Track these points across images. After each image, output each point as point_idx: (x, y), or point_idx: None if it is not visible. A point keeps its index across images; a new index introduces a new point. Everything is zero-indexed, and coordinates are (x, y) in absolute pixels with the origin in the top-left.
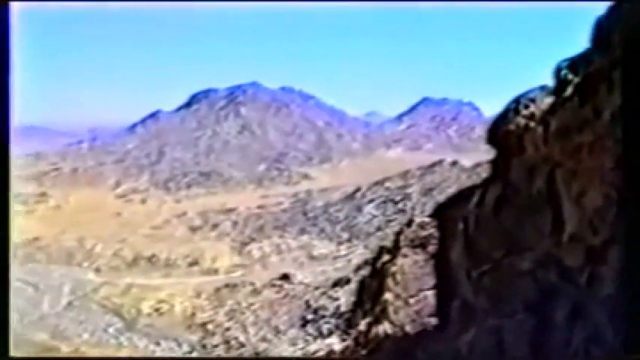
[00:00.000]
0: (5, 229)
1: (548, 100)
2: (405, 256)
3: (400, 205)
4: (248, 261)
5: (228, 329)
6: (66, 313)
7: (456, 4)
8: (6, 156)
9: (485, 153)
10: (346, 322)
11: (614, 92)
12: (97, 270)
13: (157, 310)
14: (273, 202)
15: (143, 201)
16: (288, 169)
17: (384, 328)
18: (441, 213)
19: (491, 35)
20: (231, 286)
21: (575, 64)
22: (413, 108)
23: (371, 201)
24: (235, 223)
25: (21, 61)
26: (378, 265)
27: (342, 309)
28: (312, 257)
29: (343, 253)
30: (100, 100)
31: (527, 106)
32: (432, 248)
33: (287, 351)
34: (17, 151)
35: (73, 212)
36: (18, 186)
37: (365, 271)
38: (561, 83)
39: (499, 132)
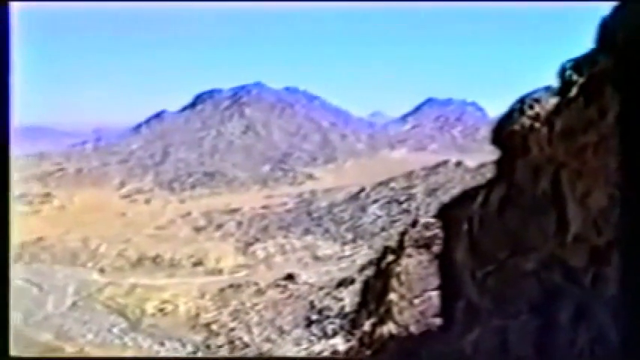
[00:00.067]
0: (5, 229)
1: (553, 101)
2: (410, 256)
3: (404, 206)
4: (252, 261)
5: (232, 329)
6: (70, 314)
7: (460, 5)
8: (6, 156)
9: (490, 153)
10: (350, 322)
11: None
12: (102, 270)
13: (161, 310)
14: (277, 203)
15: (147, 201)
16: (292, 169)
17: (389, 328)
18: (446, 213)
19: (495, 36)
20: (236, 287)
21: (579, 64)
22: (417, 108)
23: (375, 201)
24: (240, 224)
25: (25, 61)
26: (383, 265)
27: (347, 309)
28: (316, 257)
29: (348, 253)
30: (105, 100)
31: (531, 107)
32: (436, 249)
33: (291, 351)
34: (22, 152)
35: (78, 212)
36: (23, 186)
37: (369, 272)
38: (566, 84)
39: (504, 132)
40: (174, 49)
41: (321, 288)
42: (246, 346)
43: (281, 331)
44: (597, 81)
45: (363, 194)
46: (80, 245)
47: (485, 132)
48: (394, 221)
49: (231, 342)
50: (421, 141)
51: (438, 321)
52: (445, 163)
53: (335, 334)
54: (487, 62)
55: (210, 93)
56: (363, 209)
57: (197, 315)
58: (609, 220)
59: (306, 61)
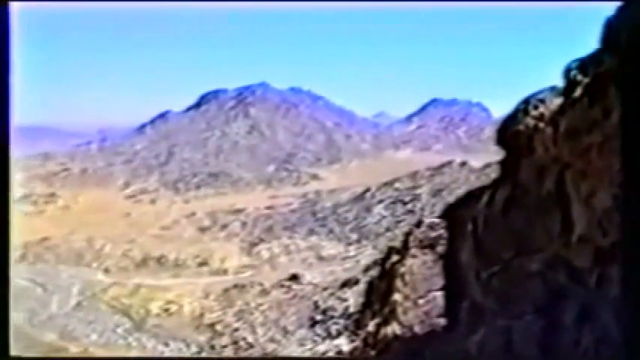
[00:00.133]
0: (5, 229)
1: (558, 101)
2: (414, 256)
3: (409, 206)
4: (257, 261)
5: (236, 330)
6: (74, 314)
7: (465, 5)
8: (6, 156)
9: (495, 154)
10: (355, 322)
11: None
12: (106, 270)
13: (165, 310)
14: (282, 203)
15: (152, 201)
16: (297, 169)
17: (393, 328)
18: (451, 214)
19: (500, 36)
20: (240, 287)
21: (584, 64)
22: (422, 109)
23: (380, 202)
24: (244, 224)
25: (29, 62)
26: (387, 265)
27: (351, 310)
28: (321, 258)
29: (352, 253)
30: (109, 100)
31: (536, 107)
32: (441, 249)
33: (295, 351)
34: (27, 152)
35: (82, 213)
36: (27, 186)
37: (374, 272)
38: (571, 84)
39: (508, 133)
40: (179, 49)
41: (325, 288)
42: (251, 346)
43: (285, 332)
44: (602, 81)
45: (367, 194)
46: (85, 245)
47: (490, 132)
48: (399, 221)
49: (235, 342)
50: (426, 141)
51: (442, 321)
52: (450, 163)
53: (339, 334)
54: (492, 63)
55: (215, 93)
56: (368, 209)
57: (201, 315)
58: (614, 221)
59: (311, 62)
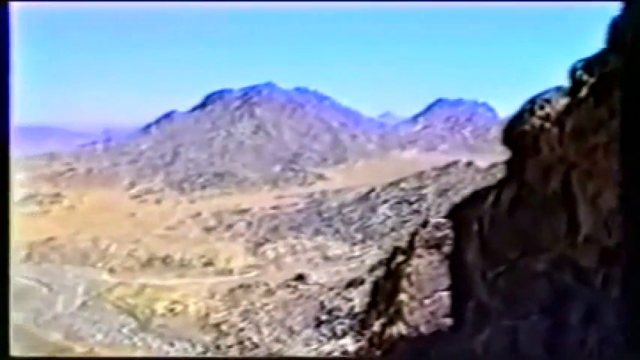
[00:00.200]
0: (5, 229)
1: (564, 101)
2: (420, 256)
3: (415, 206)
4: (262, 261)
5: (242, 330)
6: (80, 314)
7: (471, 5)
8: (6, 156)
9: (501, 154)
10: (360, 322)
11: None
12: (111, 270)
13: (171, 310)
14: (287, 203)
15: (157, 201)
16: (302, 169)
17: (399, 329)
18: (456, 214)
19: (506, 36)
20: (246, 287)
21: (590, 64)
22: (428, 109)
23: (386, 202)
24: (250, 224)
25: (35, 62)
26: (393, 265)
27: (357, 310)
28: (326, 258)
29: (358, 253)
30: (115, 101)
31: (542, 107)
32: (446, 249)
33: (301, 352)
34: (32, 152)
35: (88, 213)
36: (33, 186)
37: (379, 272)
38: (576, 84)
39: (514, 133)
40: (185, 49)
41: (331, 288)
42: (256, 346)
43: (291, 332)
44: (608, 81)
45: (373, 194)
46: (90, 245)
47: (495, 132)
48: (404, 222)
49: (240, 342)
50: (432, 141)
51: (448, 321)
52: (456, 163)
53: (345, 334)
54: (498, 62)
55: (221, 93)
56: (374, 210)
57: (207, 315)
58: (620, 221)
59: (317, 62)
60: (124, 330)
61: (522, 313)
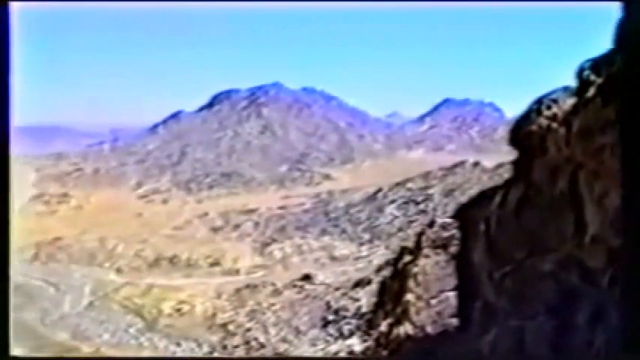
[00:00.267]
0: (5, 228)
1: (571, 101)
2: (427, 256)
3: (422, 206)
4: (269, 261)
5: (248, 330)
6: (87, 313)
7: (478, 6)
8: (6, 156)
9: (508, 154)
10: (367, 323)
11: None
12: (119, 270)
13: (177, 310)
14: (294, 203)
15: (164, 201)
16: (309, 169)
17: (405, 329)
18: (463, 214)
19: (513, 36)
20: (252, 287)
21: (597, 64)
22: (434, 109)
23: (392, 202)
24: (257, 224)
25: (43, 62)
26: (400, 265)
27: (363, 310)
28: (333, 258)
29: (364, 253)
30: (122, 100)
31: (549, 107)
32: (453, 249)
33: (308, 352)
34: (39, 152)
35: (95, 213)
36: (40, 186)
37: (386, 272)
38: (584, 84)
39: (521, 133)
40: (192, 49)
41: (337, 288)
42: (263, 346)
43: (297, 332)
44: (615, 81)
45: (380, 195)
46: (97, 245)
47: (502, 132)
48: (411, 222)
49: (247, 342)
50: (438, 141)
51: (454, 322)
52: (462, 163)
53: (351, 334)
54: (505, 62)
55: (228, 93)
56: (380, 210)
57: (214, 315)
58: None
59: (324, 62)
60: (131, 330)
61: (529, 313)
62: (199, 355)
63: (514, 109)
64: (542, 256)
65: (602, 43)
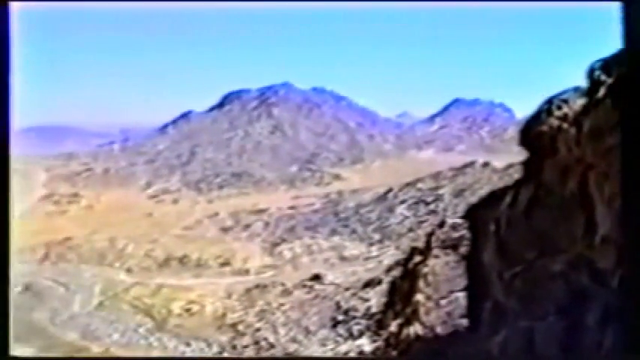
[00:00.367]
0: (5, 229)
1: (581, 101)
2: (437, 257)
3: (432, 207)
4: (279, 261)
5: (258, 330)
6: (96, 313)
7: (488, 6)
8: (6, 156)
9: (518, 154)
10: (377, 323)
11: None
12: (128, 270)
13: (187, 310)
14: (304, 203)
15: (175, 201)
16: (319, 169)
17: (415, 329)
18: (473, 214)
19: (523, 36)
20: (262, 287)
21: (608, 64)
22: (445, 109)
23: (402, 202)
24: (267, 224)
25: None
26: (410, 266)
27: (373, 310)
28: (343, 258)
29: (374, 254)
30: (132, 100)
31: (560, 107)
32: (463, 249)
33: (317, 352)
34: (50, 152)
35: (105, 212)
36: (50, 186)
37: (396, 272)
38: (594, 84)
39: (532, 133)
40: (202, 49)
41: (347, 288)
42: (272, 346)
43: (307, 332)
44: (626, 81)
45: (390, 195)
46: (107, 245)
47: (512, 132)
48: (421, 222)
49: (257, 342)
50: (448, 142)
51: (464, 322)
52: (472, 163)
53: (361, 334)
54: (515, 63)
55: (238, 93)
56: (391, 210)
57: (223, 315)
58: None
59: (334, 62)
60: (141, 330)
61: (539, 313)
62: (209, 355)
63: (524, 109)
64: (553, 257)
65: (613, 42)
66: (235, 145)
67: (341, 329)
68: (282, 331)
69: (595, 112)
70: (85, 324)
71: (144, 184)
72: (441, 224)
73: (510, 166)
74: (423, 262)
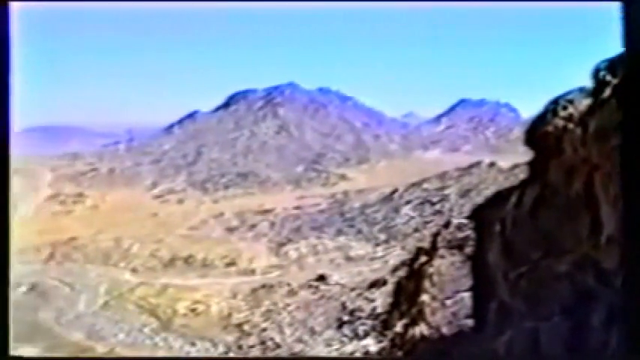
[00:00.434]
0: (5, 228)
1: (587, 102)
2: (442, 257)
3: (438, 207)
4: (285, 262)
5: (264, 330)
6: (102, 313)
7: (494, 6)
8: (6, 156)
9: (523, 154)
10: (382, 323)
11: None
12: (134, 270)
13: (193, 310)
14: (310, 203)
15: (180, 201)
16: (325, 170)
17: (421, 329)
18: (479, 214)
19: (529, 36)
20: (268, 287)
21: (613, 65)
22: (450, 109)
23: (408, 202)
24: (272, 224)
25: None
26: (415, 266)
27: (379, 310)
28: (348, 258)
29: (380, 254)
30: (137, 100)
31: (565, 108)
32: (469, 250)
33: (323, 352)
34: (55, 152)
35: (110, 212)
36: (56, 186)
37: (402, 273)
38: (600, 84)
39: (537, 133)
40: (208, 49)
41: (353, 289)
42: (278, 346)
43: (313, 332)
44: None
45: (396, 195)
46: (112, 245)
47: (518, 133)
48: (427, 222)
49: (262, 342)
50: (454, 142)
51: (470, 322)
52: (478, 163)
53: (367, 335)
54: (520, 63)
55: (244, 93)
56: (396, 210)
57: (229, 315)
58: None
59: (340, 62)
60: (146, 330)
61: (544, 314)
62: (214, 355)
63: (530, 109)
64: (558, 257)
65: (618, 43)
66: (241, 145)
67: (346, 329)
68: (287, 331)
69: (600, 113)
70: (90, 324)
71: (149, 184)
72: (447, 224)
73: (516, 166)
74: (428, 262)
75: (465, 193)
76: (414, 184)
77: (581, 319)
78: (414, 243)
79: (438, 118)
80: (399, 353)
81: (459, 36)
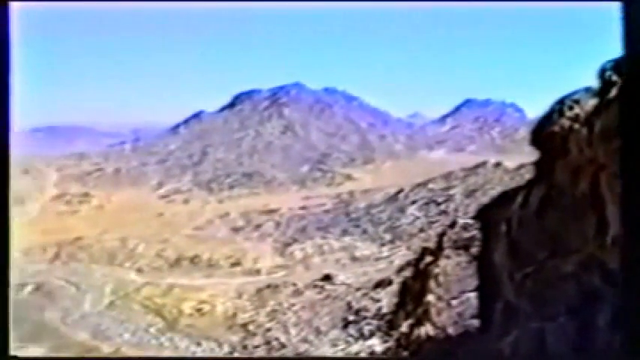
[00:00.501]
0: (5, 228)
1: (593, 102)
2: (448, 257)
3: (443, 207)
4: (290, 262)
5: (269, 330)
6: (107, 313)
7: (499, 6)
8: (6, 156)
9: (529, 154)
10: (388, 323)
11: None
12: (139, 270)
13: (198, 310)
14: (315, 203)
15: (186, 201)
16: (331, 170)
17: (426, 329)
18: (484, 214)
19: (535, 36)
20: (273, 287)
21: (619, 65)
22: (456, 109)
23: (414, 202)
24: (278, 224)
25: (61, 61)
26: (421, 266)
27: (384, 310)
28: (354, 258)
29: (386, 254)
30: (143, 100)
31: (571, 108)
32: (474, 250)
33: (328, 352)
34: (61, 152)
35: (116, 212)
36: (61, 186)
37: (407, 273)
38: (606, 84)
39: (543, 133)
40: (213, 49)
41: (358, 289)
42: (283, 346)
43: (318, 332)
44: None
45: (401, 195)
46: (118, 245)
47: (524, 133)
48: (433, 222)
49: (268, 342)
50: (460, 142)
51: (475, 322)
52: (484, 164)
53: (372, 335)
54: (526, 63)
55: (249, 93)
56: (402, 210)
57: (234, 315)
58: None
59: (345, 62)
60: (152, 330)
61: (550, 314)
62: (220, 355)
63: (536, 109)
64: (564, 257)
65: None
66: (246, 145)
67: (352, 329)
68: (293, 331)
69: (606, 113)
70: (95, 324)
71: (155, 184)
72: (453, 225)
73: (522, 166)
74: (434, 262)
75: (470, 194)
76: (419, 185)
77: (587, 320)
78: (419, 243)
79: (443, 119)
80: (405, 353)
81: (464, 36)
